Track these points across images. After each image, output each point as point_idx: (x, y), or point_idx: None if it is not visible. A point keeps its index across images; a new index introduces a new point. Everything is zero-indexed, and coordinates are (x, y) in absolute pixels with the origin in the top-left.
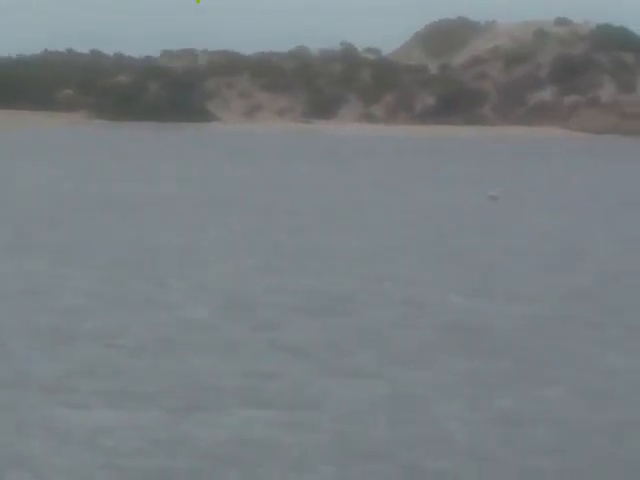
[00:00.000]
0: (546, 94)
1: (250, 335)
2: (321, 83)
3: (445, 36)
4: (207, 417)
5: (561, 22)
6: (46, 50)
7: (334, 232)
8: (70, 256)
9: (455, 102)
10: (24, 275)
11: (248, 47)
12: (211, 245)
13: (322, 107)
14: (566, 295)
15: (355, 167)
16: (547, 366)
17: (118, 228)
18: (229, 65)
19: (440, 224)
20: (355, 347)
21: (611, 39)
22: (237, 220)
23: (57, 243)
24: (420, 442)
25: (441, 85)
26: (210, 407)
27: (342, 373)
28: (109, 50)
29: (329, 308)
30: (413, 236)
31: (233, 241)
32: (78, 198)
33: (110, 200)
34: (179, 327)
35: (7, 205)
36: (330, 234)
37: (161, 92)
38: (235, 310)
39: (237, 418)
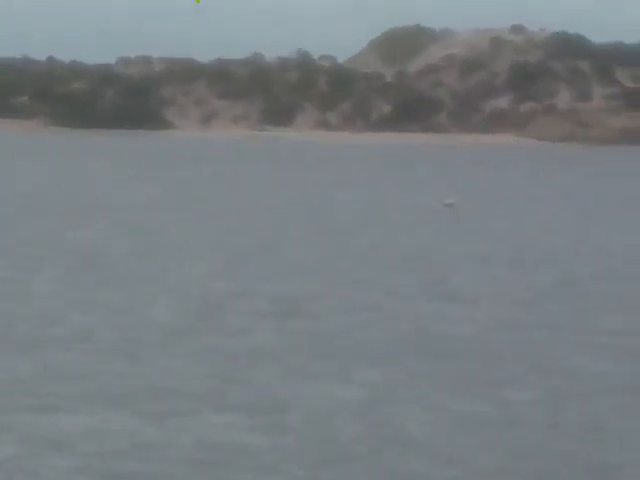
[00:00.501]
0: (502, 102)
1: (217, 339)
2: (277, 90)
3: (401, 43)
4: (177, 421)
5: (517, 30)
6: (0, 57)
7: (286, 233)
8: (29, 260)
9: (411, 110)
10: None
11: (204, 54)
12: (166, 248)
13: (278, 114)
14: (526, 299)
15: (311, 173)
16: (510, 368)
17: (71, 232)
18: (185, 72)
19: (397, 230)
20: (321, 351)
21: (567, 47)
22: (191, 222)
23: (12, 245)
24: (388, 444)
25: (397, 93)
26: (180, 411)
27: (308, 376)
28: (65, 57)
29: (293, 312)
30: (369, 242)
31: (191, 244)
32: (37, 201)
33: (63, 204)
34: (146, 330)
35: None
36: (283, 235)
37: (117, 99)
38: (199, 314)
39: (207, 422)
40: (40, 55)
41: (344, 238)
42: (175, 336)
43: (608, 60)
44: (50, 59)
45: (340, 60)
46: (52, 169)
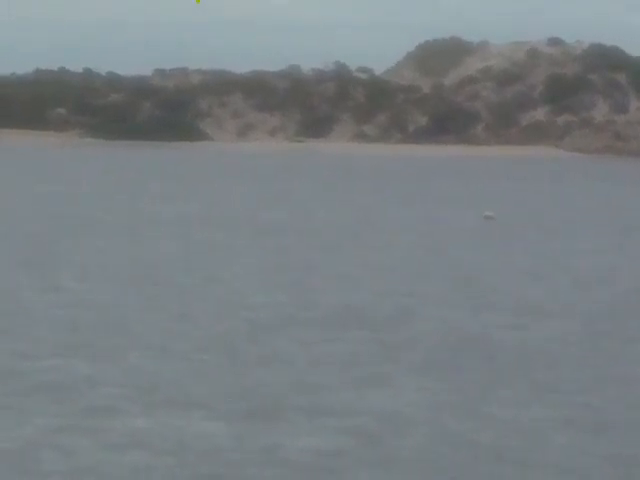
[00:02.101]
0: (539, 114)
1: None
2: (314, 102)
3: (437, 56)
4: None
5: (553, 42)
6: (38, 69)
7: (331, 251)
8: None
9: (448, 122)
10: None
11: (241, 66)
12: (217, 261)
13: (315, 126)
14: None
15: (349, 186)
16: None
17: (122, 246)
18: (222, 84)
19: (439, 243)
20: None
21: (604, 59)
22: (243, 238)
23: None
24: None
25: (433, 105)
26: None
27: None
28: (101, 69)
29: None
30: (412, 255)
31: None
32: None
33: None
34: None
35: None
36: (327, 253)
37: (153, 111)
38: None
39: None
40: (76, 67)
41: (382, 250)
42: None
43: None
44: (87, 70)
45: (377, 72)
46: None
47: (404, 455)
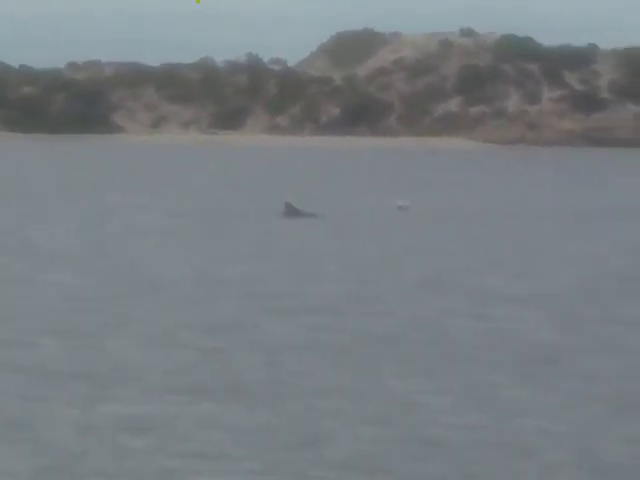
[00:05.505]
0: (452, 105)
1: None
2: (227, 94)
3: (350, 47)
4: None
5: (466, 33)
6: None
7: None
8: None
9: (360, 113)
10: None
11: (154, 58)
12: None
13: (228, 118)
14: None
15: (259, 176)
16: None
17: None
18: (135, 76)
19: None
20: None
21: (516, 49)
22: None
23: None
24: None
25: (346, 96)
26: None
27: None
28: (14, 61)
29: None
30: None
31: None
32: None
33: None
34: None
35: None
36: None
37: (66, 104)
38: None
39: None
40: None
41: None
42: None
43: (557, 62)
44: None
45: (290, 64)
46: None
47: None
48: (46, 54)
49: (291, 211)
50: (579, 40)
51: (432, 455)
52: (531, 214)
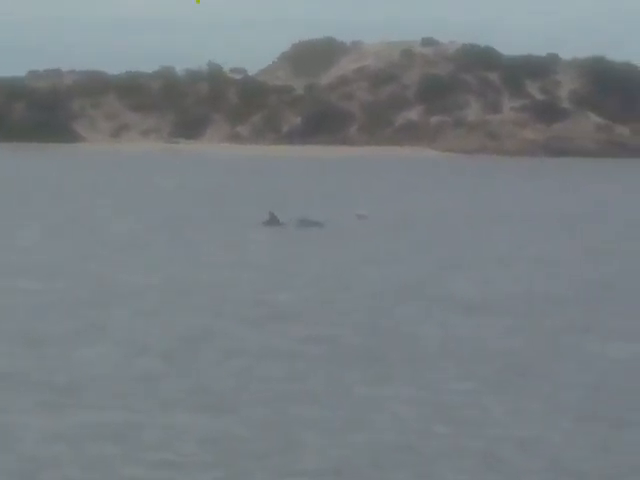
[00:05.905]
0: (413, 114)
1: None
2: (187, 103)
3: (311, 56)
4: None
5: (427, 42)
6: None
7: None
8: None
9: (321, 122)
10: None
11: (115, 67)
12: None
13: (189, 127)
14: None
15: (223, 184)
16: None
17: None
18: (95, 85)
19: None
20: None
21: (477, 59)
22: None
23: None
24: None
25: (307, 105)
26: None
27: None
28: None
29: None
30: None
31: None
32: None
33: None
34: None
35: None
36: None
37: (27, 112)
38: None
39: None
40: None
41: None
42: None
43: (518, 72)
44: None
45: (251, 72)
46: None
47: None
48: (6, 63)
49: (273, 220)
50: (540, 50)
51: (401, 463)
52: (493, 220)
